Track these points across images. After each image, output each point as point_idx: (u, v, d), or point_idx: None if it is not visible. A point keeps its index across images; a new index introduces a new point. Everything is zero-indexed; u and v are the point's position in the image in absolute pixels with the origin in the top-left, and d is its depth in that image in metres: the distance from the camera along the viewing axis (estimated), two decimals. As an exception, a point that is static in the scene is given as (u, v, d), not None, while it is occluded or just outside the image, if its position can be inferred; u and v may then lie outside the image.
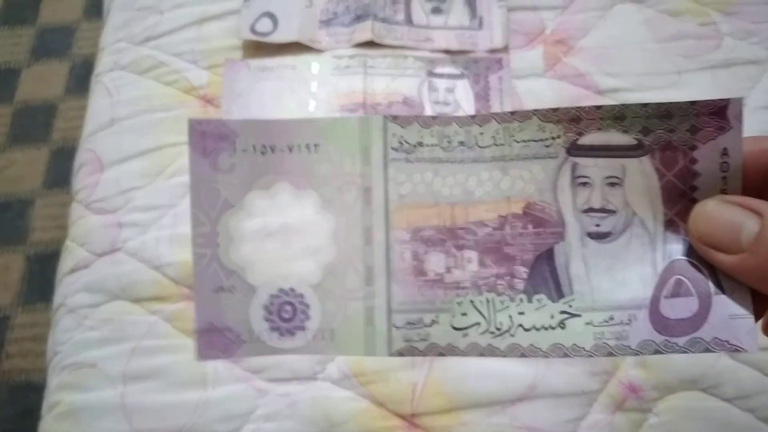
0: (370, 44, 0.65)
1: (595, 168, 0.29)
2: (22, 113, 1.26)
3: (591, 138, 0.29)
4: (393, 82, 0.63)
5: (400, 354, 0.29)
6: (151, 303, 0.53)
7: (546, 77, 0.64)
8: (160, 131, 0.62)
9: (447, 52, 0.66)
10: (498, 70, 0.64)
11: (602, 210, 0.29)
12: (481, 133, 0.29)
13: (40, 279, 1.08)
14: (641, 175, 0.28)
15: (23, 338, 1.04)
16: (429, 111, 0.62)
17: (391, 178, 0.29)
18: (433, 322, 0.29)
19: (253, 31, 0.66)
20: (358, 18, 0.67)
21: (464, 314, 0.29)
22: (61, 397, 0.50)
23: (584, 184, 0.29)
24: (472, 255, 0.30)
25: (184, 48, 0.66)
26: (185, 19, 0.68)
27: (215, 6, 0.69)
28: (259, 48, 0.66)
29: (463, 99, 0.62)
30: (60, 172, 1.18)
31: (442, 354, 0.29)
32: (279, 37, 0.66)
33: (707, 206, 0.21)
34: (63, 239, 0.59)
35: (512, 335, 0.28)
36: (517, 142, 0.29)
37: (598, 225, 0.29)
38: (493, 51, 0.66)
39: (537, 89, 0.63)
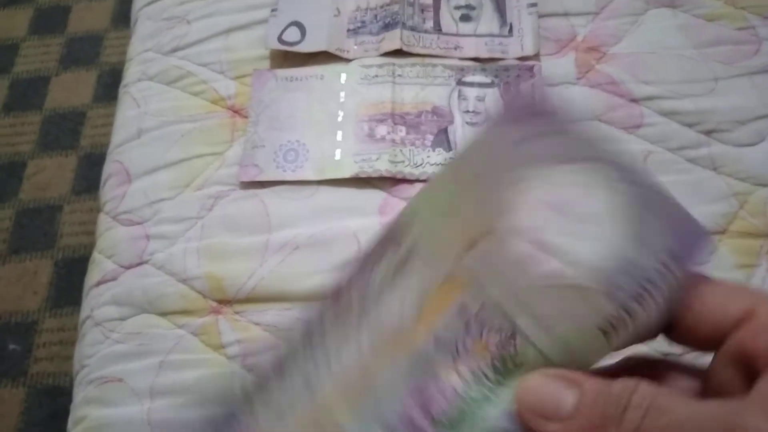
0: (398, 53, 0.64)
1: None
2: (51, 121, 1.27)
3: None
4: (422, 91, 0.62)
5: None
6: (179, 317, 0.53)
7: (579, 85, 0.63)
8: (188, 142, 0.61)
9: (477, 60, 0.65)
10: (530, 77, 0.63)
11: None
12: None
13: (68, 284, 1.09)
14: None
15: (51, 342, 1.05)
16: (459, 120, 0.61)
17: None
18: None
19: (280, 40, 0.65)
20: (387, 26, 0.66)
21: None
22: (87, 412, 0.50)
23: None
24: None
25: (211, 58, 0.66)
26: (213, 29, 0.68)
27: (243, 16, 0.69)
28: (286, 58, 0.65)
29: (493, 108, 0.61)
30: (88, 178, 1.19)
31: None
32: (307, 46, 0.65)
33: (531, 380, 0.24)
34: (91, 245, 0.59)
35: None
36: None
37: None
38: (523, 58, 0.64)
39: (570, 97, 0.62)
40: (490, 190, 0.24)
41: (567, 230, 0.24)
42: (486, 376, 0.24)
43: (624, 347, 0.23)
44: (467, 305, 0.24)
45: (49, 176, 1.22)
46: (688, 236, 0.25)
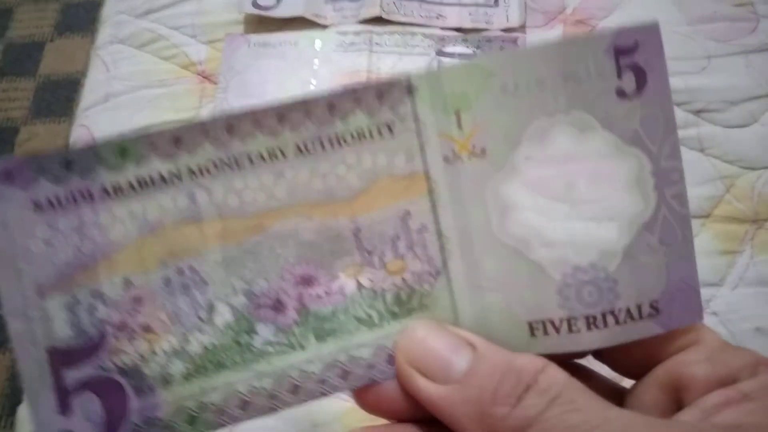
0: (377, 20, 0.62)
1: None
2: (44, 87, 1.26)
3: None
4: (400, 60, 0.60)
5: None
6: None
7: (564, 59, 0.60)
8: (156, 108, 0.60)
9: (459, 30, 0.62)
10: (513, 50, 0.60)
11: None
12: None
13: (59, 253, 1.09)
14: None
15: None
16: (437, 93, 0.59)
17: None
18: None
19: (255, 5, 0.63)
20: (366, -8, 0.64)
21: None
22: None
23: None
24: None
25: (184, 21, 0.64)
26: (187, -10, 0.66)
27: (217, -23, 0.66)
28: (261, 23, 0.63)
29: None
30: (80, 147, 1.18)
31: None
32: (282, 11, 0.63)
33: (421, 328, 0.20)
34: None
35: None
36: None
37: None
38: (508, 30, 0.62)
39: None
40: (519, 112, 0.20)
41: (571, 206, 0.20)
42: (384, 299, 0.21)
43: (543, 355, 0.19)
44: (411, 216, 0.20)
45: (42, 143, 1.21)
46: (681, 296, 0.20)
